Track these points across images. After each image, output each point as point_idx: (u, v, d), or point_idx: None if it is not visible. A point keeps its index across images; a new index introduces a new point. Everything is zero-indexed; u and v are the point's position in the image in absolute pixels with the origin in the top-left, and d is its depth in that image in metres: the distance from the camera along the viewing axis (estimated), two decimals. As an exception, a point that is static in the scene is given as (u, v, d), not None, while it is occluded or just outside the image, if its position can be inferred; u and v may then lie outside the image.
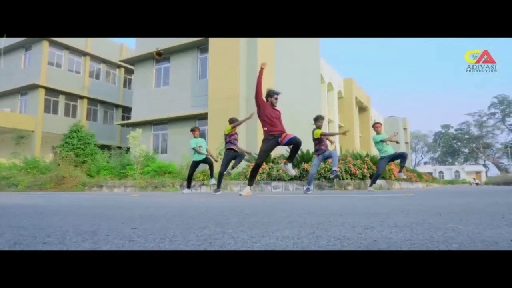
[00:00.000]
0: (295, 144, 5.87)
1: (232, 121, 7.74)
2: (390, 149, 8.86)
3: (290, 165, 6.24)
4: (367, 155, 11.92)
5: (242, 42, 15.21)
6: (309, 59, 21.26)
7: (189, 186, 9.02)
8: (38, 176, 12.68)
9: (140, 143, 14.01)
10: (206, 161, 8.80)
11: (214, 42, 15.58)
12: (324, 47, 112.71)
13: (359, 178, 10.98)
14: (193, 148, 8.65)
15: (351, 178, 10.88)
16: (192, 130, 8.82)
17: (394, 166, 12.63)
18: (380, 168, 9.02)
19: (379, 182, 11.59)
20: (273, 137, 5.83)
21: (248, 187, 6.16)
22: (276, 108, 6.01)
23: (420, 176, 23.22)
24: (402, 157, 9.01)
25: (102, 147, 20.22)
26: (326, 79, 28.32)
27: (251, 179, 6.13)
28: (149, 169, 13.47)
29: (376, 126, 9.11)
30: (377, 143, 8.97)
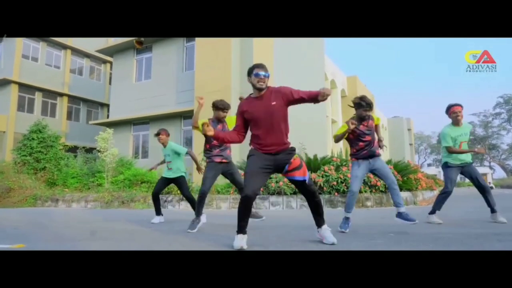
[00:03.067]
0: (306, 195, 3.29)
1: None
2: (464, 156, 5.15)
3: (323, 229, 3.34)
4: (389, 161, 9.58)
5: (235, 27, 12.88)
6: (312, 53, 18.88)
7: (157, 212, 5.84)
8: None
9: (112, 145, 11.64)
10: (178, 181, 5.74)
11: (202, 27, 13.24)
12: (326, 47, 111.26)
13: (381, 191, 8.64)
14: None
15: (371, 191, 8.54)
16: (158, 135, 5.77)
17: (420, 175, 10.29)
18: (446, 181, 5.24)
19: (405, 195, 9.26)
20: (259, 154, 3.18)
21: (240, 235, 3.11)
22: (260, 94, 3.20)
23: (435, 182, 21.07)
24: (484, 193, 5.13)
25: (85, 149, 17.83)
26: (329, 76, 26.13)
27: (241, 220, 3.14)
28: (122, 178, 11.12)
29: (453, 110, 5.14)
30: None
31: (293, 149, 3.24)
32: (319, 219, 3.37)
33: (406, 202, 9.10)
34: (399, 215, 4.25)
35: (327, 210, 7.63)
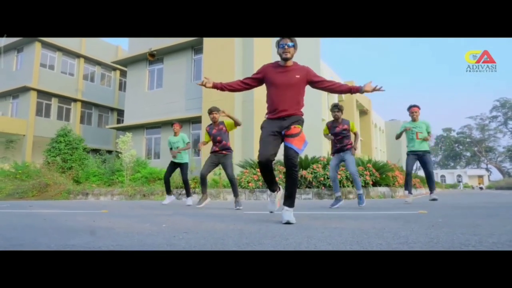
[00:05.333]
0: (287, 166, 3.27)
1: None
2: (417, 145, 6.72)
3: (284, 208, 3.25)
4: (369, 161, 11.21)
5: (237, 42, 14.55)
6: (309, 61, 20.54)
7: (168, 192, 7.56)
8: (21, 183, 11.97)
9: (131, 148, 13.30)
10: (182, 166, 7.36)
11: (209, 42, 14.92)
12: (324, 51, 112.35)
13: (362, 186, 10.26)
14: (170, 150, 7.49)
15: (353, 186, 10.17)
16: (172, 125, 7.48)
17: (398, 172, 11.92)
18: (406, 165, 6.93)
19: (383, 189, 10.90)
20: (270, 121, 3.38)
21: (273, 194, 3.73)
22: (287, 65, 3.36)
23: (423, 182, 22.57)
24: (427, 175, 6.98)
25: (96, 151, 19.58)
26: (326, 82, 27.68)
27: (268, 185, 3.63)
28: (139, 176, 12.77)
29: (411, 110, 6.86)
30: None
31: (300, 120, 3.36)
32: (287, 198, 3.26)
33: (383, 195, 10.73)
34: (358, 196, 5.89)
35: (315, 202, 9.35)
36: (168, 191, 7.62)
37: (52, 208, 6.09)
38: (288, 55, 3.28)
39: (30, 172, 14.20)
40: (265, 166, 3.30)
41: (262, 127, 3.40)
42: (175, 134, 7.44)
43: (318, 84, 3.42)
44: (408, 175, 6.87)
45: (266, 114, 3.44)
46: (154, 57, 16.71)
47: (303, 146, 3.27)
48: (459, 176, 69.09)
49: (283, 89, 3.29)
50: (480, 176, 67.02)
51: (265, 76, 3.39)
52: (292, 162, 3.19)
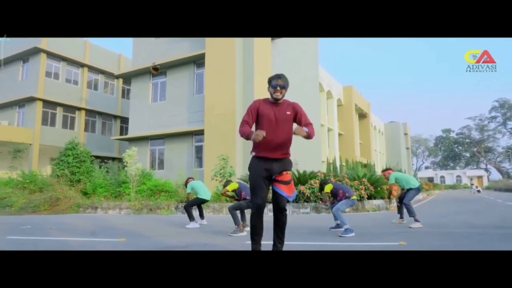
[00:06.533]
0: (276, 210, 3.33)
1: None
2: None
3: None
4: (364, 175, 11.74)
5: (238, 55, 15.06)
6: (308, 68, 21.15)
7: (201, 216, 8.32)
8: (32, 197, 12.53)
9: (136, 161, 13.85)
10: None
11: (210, 57, 15.45)
12: (323, 53, 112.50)
13: (357, 200, 10.81)
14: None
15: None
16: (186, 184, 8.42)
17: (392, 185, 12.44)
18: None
19: (378, 202, 11.44)
20: (259, 161, 3.32)
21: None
22: (278, 102, 3.36)
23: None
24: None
25: (101, 159, 20.12)
26: (325, 87, 28.23)
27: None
28: (144, 188, 13.31)
29: (384, 173, 8.39)
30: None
31: (291, 165, 3.36)
32: (279, 238, 3.31)
33: (378, 208, 11.27)
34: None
35: (313, 216, 9.87)
36: (201, 215, 8.32)
37: (69, 232, 6.64)
38: (279, 96, 3.30)
39: (37, 181, 14.77)
40: (260, 208, 3.23)
41: (250, 168, 3.34)
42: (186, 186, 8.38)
43: (300, 119, 3.35)
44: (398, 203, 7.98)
45: (254, 150, 3.33)
46: (157, 71, 17.27)
47: (293, 195, 3.31)
48: (458, 176, 69.66)
49: (277, 124, 3.24)
50: (480, 177, 67.52)
51: (259, 108, 3.32)
52: (282, 207, 3.26)
